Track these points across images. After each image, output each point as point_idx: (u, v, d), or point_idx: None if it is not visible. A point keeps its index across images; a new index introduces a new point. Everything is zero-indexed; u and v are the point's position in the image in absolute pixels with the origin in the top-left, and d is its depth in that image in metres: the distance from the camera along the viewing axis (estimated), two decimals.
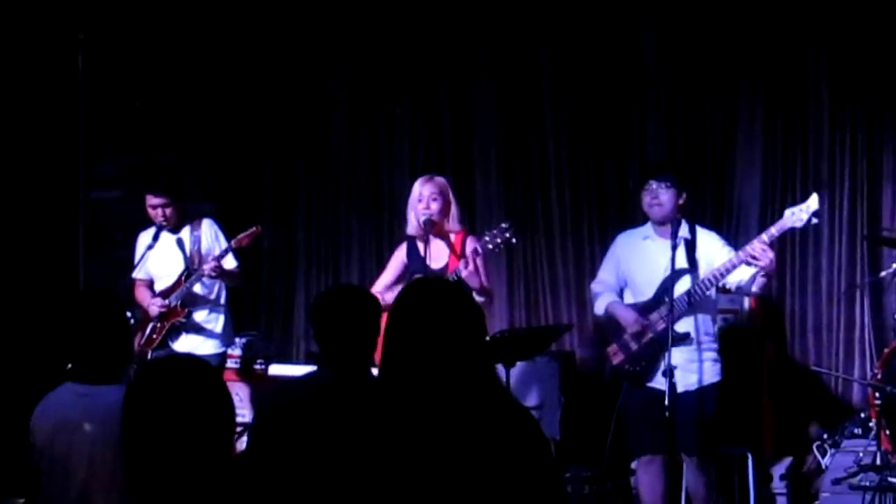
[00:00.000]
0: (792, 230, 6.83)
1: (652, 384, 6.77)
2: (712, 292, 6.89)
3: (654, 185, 6.90)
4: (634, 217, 8.59)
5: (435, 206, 7.18)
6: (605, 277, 7.25)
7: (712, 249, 6.92)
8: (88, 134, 9.12)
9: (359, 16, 9.50)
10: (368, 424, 3.45)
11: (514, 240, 7.06)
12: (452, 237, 7.29)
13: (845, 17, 8.35)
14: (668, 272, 6.71)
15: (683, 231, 6.90)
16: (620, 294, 7.18)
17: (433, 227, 7.14)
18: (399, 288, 7.05)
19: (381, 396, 3.49)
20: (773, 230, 6.67)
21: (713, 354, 6.94)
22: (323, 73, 9.69)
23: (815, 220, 6.68)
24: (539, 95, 9.15)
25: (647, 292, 6.92)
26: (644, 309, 6.92)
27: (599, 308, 7.23)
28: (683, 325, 6.83)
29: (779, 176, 8.55)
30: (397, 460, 3.35)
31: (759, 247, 6.57)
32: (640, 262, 7.00)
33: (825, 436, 7.73)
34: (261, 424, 4.90)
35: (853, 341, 8.35)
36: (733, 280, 6.81)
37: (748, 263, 6.66)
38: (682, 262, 6.82)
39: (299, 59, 9.70)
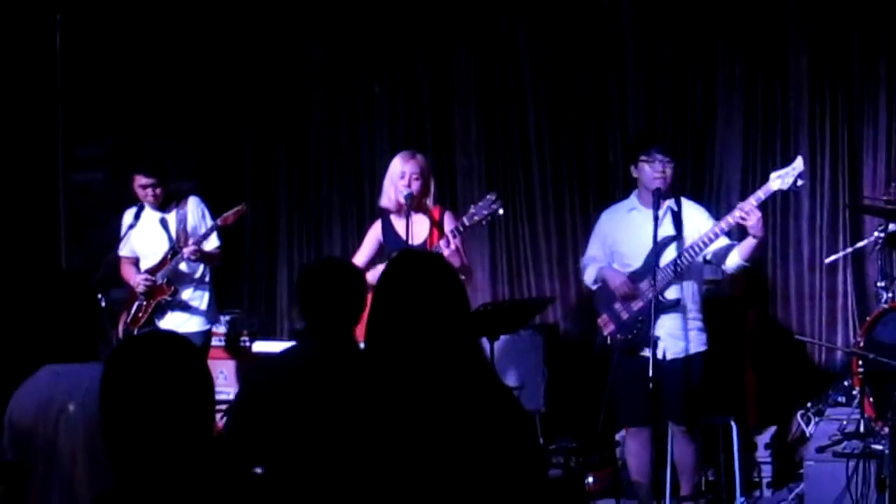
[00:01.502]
0: (778, 193, 6.83)
1: (644, 353, 6.74)
2: (699, 260, 6.90)
3: (658, 157, 6.86)
4: (616, 189, 8.65)
5: (416, 186, 7.16)
6: (594, 253, 7.25)
7: (697, 220, 6.93)
8: (68, 115, 9.09)
9: None
10: (352, 397, 3.46)
11: (500, 211, 7.05)
12: (431, 213, 7.28)
13: None
14: (654, 242, 6.75)
15: (669, 202, 6.92)
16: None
17: (413, 204, 7.14)
18: (376, 267, 7.13)
19: (366, 369, 3.49)
20: (760, 193, 6.68)
21: (699, 324, 6.97)
22: (301, 50, 9.68)
23: (800, 182, 6.70)
24: (518, 70, 9.15)
25: (635, 263, 6.92)
26: (632, 278, 6.94)
27: (589, 277, 7.22)
28: (672, 293, 6.87)
29: (759, 146, 8.56)
30: (380, 433, 3.35)
31: (747, 207, 6.60)
32: (626, 233, 7.00)
33: (809, 404, 7.76)
34: (245, 400, 4.90)
35: (836, 309, 8.38)
36: (712, 249, 6.82)
37: (730, 231, 6.69)
38: (668, 231, 6.85)
39: (277, 37, 9.68)
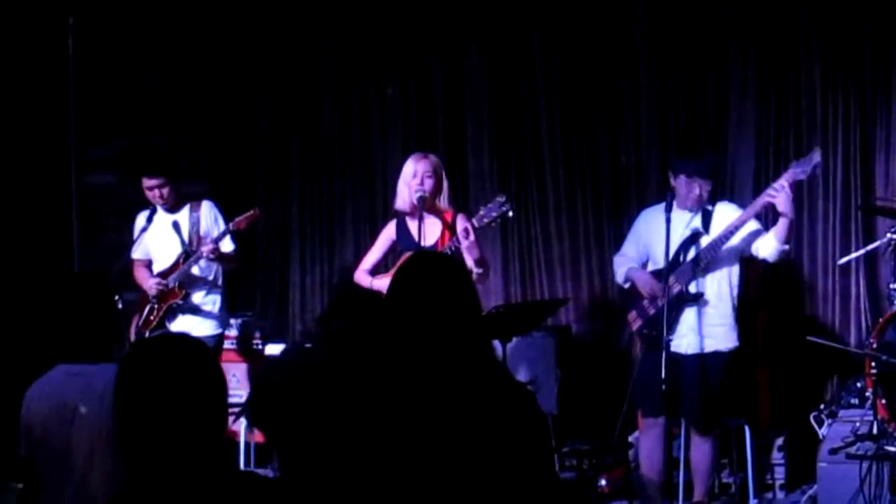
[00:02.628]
0: (797, 182, 6.89)
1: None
2: (728, 256, 6.98)
3: (699, 181, 7.01)
4: (628, 191, 8.66)
5: (429, 184, 7.17)
6: (627, 251, 7.40)
7: (729, 217, 7.02)
8: (80, 118, 9.11)
9: None
10: (365, 398, 3.46)
11: (510, 213, 7.06)
12: (443, 216, 7.28)
13: None
14: (682, 238, 6.94)
15: (705, 203, 7.08)
16: (643, 268, 7.27)
17: (426, 205, 7.14)
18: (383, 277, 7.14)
19: (380, 370, 3.49)
20: (783, 180, 6.78)
21: (727, 320, 7.09)
22: (314, 52, 9.68)
23: (818, 171, 6.94)
24: (531, 73, 9.14)
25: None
26: (660, 275, 7.00)
27: (620, 276, 7.40)
28: (695, 288, 6.99)
29: (771, 150, 8.54)
30: (393, 433, 3.36)
31: (777, 185, 6.73)
32: (661, 234, 7.03)
33: (822, 405, 7.74)
34: (260, 396, 4.90)
35: (848, 311, 8.36)
36: (741, 235, 6.93)
37: (759, 218, 6.80)
38: (697, 229, 7.02)
39: (289, 38, 9.68)
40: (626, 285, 7.36)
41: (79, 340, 4.48)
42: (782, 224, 6.86)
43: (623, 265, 7.34)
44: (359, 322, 4.86)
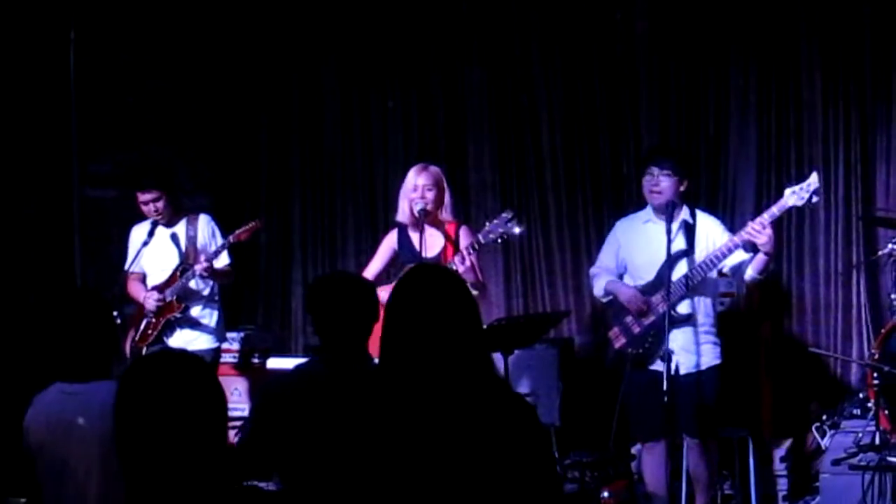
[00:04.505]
0: (792, 209, 6.84)
1: (654, 367, 6.74)
2: (712, 274, 6.89)
3: (655, 170, 6.88)
4: (630, 203, 8.64)
5: (430, 196, 7.17)
6: (605, 261, 7.26)
7: (713, 233, 6.93)
8: (81, 132, 9.11)
9: (349, 7, 9.50)
10: (365, 412, 3.46)
11: (517, 230, 7.03)
12: (446, 227, 7.28)
13: None
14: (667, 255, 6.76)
15: (685, 214, 6.92)
16: (620, 279, 7.17)
17: (427, 217, 7.14)
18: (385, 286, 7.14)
19: (379, 383, 3.49)
20: (775, 209, 6.68)
21: (713, 338, 6.95)
22: (314, 65, 9.71)
23: (815, 199, 6.70)
24: (531, 84, 9.16)
25: (647, 276, 6.92)
26: (643, 292, 6.93)
27: (599, 289, 7.23)
28: (684, 308, 6.86)
29: (773, 159, 8.55)
30: (394, 448, 3.36)
31: (758, 225, 6.59)
32: (640, 245, 7.00)
33: (824, 416, 7.74)
34: (260, 415, 4.91)
35: (850, 322, 8.35)
36: (730, 262, 6.81)
37: (745, 245, 6.69)
38: (681, 245, 6.85)
39: (290, 52, 9.72)
40: (605, 299, 7.21)
41: (78, 357, 4.49)
42: (761, 260, 6.74)
43: (601, 277, 7.19)
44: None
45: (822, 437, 7.69)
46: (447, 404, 3.37)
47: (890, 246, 7.59)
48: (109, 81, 9.36)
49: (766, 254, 6.70)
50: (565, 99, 9.07)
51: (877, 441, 6.83)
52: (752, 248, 6.87)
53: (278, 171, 9.85)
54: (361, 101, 9.60)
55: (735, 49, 8.64)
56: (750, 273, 6.84)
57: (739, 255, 6.81)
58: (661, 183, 6.86)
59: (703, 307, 6.94)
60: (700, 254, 6.84)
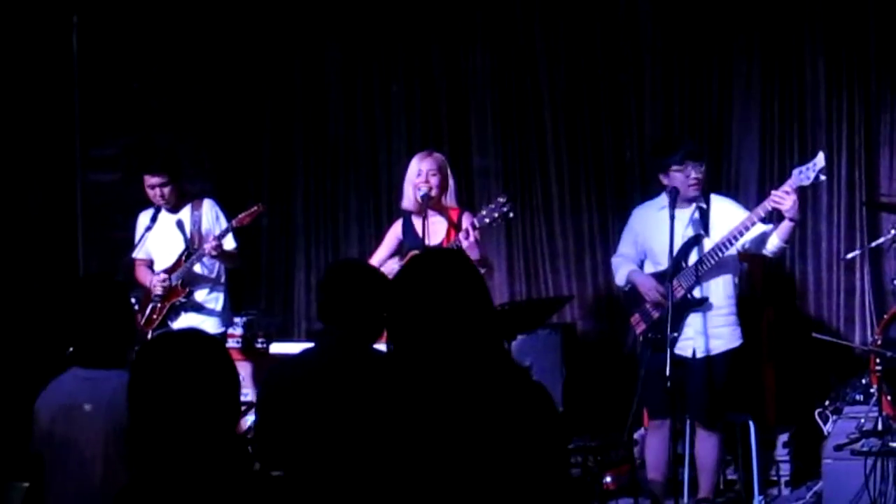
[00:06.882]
0: (800, 189, 6.87)
1: (674, 350, 6.80)
2: (732, 254, 6.95)
3: (691, 164, 6.95)
4: (632, 189, 8.65)
5: (434, 181, 7.18)
6: (625, 251, 7.34)
7: (729, 213, 7.00)
8: (85, 116, 9.11)
9: None
10: (372, 396, 3.45)
11: (511, 214, 7.07)
12: (449, 213, 7.29)
13: None
14: (684, 240, 6.90)
15: (699, 200, 7.01)
16: (641, 266, 7.25)
17: (431, 203, 7.15)
18: (393, 264, 7.16)
19: (389, 367, 3.48)
20: (787, 187, 6.74)
21: (732, 319, 7.06)
22: (318, 50, 9.69)
23: (822, 178, 6.80)
24: (535, 69, 9.14)
25: (665, 262, 6.93)
26: (661, 278, 6.98)
27: (621, 279, 7.33)
28: (699, 292, 6.96)
29: (776, 145, 8.55)
30: (403, 432, 3.34)
31: (782, 192, 6.67)
32: (657, 231, 7.02)
33: (826, 402, 7.74)
34: (267, 401, 4.92)
35: (853, 307, 8.37)
36: (750, 236, 6.87)
37: (764, 220, 6.79)
38: (697, 229, 6.97)
39: (294, 36, 9.69)
40: (627, 287, 7.30)
41: (95, 342, 4.50)
42: (787, 226, 6.82)
43: (623, 267, 7.29)
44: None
45: (825, 422, 7.70)
46: (459, 388, 3.33)
47: (893, 231, 7.59)
48: (113, 66, 9.35)
49: (791, 219, 6.78)
50: (569, 85, 9.05)
51: (879, 426, 6.83)
52: (769, 221, 6.93)
53: (281, 156, 9.83)
54: (365, 86, 9.59)
55: (739, 35, 8.62)
56: (775, 242, 6.91)
57: (759, 228, 6.89)
58: (700, 175, 6.96)
59: (722, 289, 7.01)
60: (717, 236, 6.90)
